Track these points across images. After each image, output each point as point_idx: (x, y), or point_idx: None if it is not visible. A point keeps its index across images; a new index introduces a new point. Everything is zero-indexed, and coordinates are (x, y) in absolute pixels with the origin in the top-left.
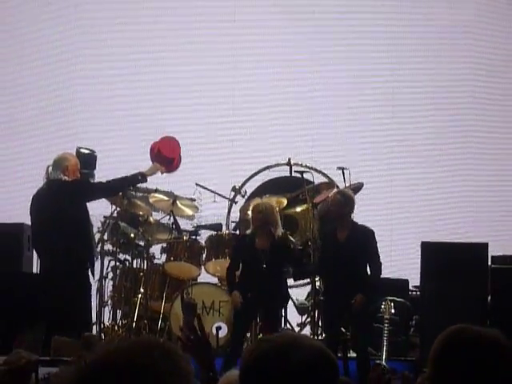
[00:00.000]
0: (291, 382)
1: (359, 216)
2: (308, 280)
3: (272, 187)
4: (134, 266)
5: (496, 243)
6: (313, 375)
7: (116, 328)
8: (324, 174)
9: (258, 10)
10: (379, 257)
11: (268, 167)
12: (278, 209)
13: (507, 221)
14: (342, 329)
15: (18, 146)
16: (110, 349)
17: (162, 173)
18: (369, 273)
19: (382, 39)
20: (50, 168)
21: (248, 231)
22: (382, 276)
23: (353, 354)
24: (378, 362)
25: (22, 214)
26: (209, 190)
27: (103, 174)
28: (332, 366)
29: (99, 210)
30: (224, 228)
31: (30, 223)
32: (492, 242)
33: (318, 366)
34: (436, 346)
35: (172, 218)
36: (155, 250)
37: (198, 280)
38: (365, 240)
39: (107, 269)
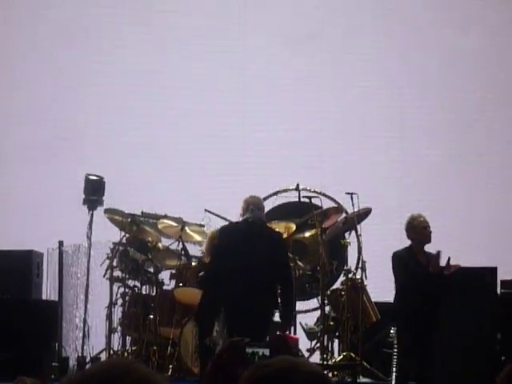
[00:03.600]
0: None
1: (369, 241)
2: (318, 305)
3: (281, 213)
4: (143, 292)
5: (505, 267)
6: None
7: (126, 354)
8: (332, 199)
9: (267, 34)
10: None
11: (276, 192)
12: (286, 234)
13: None
14: (352, 354)
15: (28, 173)
16: (86, 373)
17: None
18: None
19: (390, 61)
20: (252, 206)
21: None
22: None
23: (363, 380)
24: None
25: (31, 241)
26: (218, 215)
27: (111, 200)
28: None
29: (108, 236)
30: None
31: (43, 250)
32: (501, 265)
33: None
34: (502, 379)
35: (181, 243)
36: (164, 276)
37: None
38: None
39: (116, 295)
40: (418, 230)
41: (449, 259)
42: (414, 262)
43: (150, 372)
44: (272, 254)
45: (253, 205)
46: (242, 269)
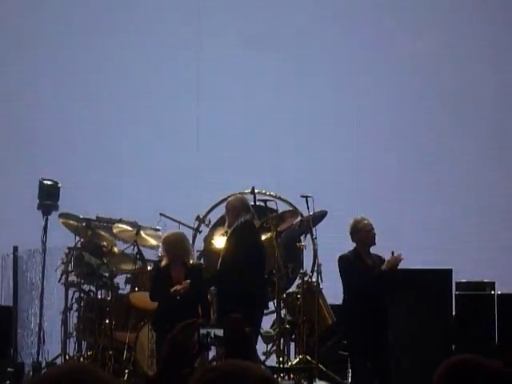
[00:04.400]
0: None
1: (325, 244)
2: (273, 309)
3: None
4: (99, 296)
5: (460, 269)
6: None
7: (81, 359)
8: (288, 202)
9: (224, 38)
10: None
11: (231, 196)
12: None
13: (471, 246)
14: (308, 357)
15: None
16: (44, 377)
17: None
18: None
19: (348, 62)
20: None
21: (163, 263)
22: None
23: (319, 383)
24: None
25: None
26: (173, 219)
27: (66, 205)
28: None
29: (63, 241)
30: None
31: None
32: (456, 267)
33: None
34: (438, 375)
35: (136, 248)
36: (120, 280)
37: None
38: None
39: (72, 300)
40: (363, 232)
41: (392, 253)
42: (361, 264)
43: (108, 376)
44: None
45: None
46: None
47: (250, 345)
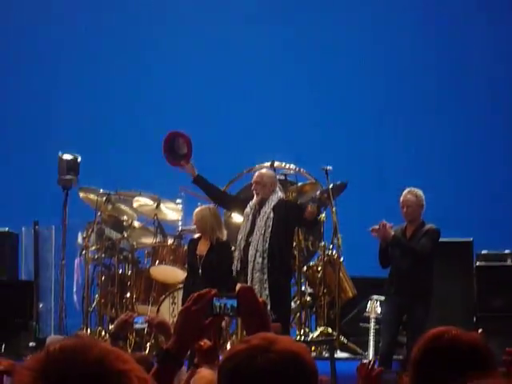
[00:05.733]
0: None
1: (345, 216)
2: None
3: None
4: (120, 270)
5: (481, 240)
6: (279, 380)
7: (103, 333)
8: (308, 175)
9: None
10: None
11: (251, 169)
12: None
13: (491, 216)
14: (329, 329)
15: (1, 152)
16: (41, 356)
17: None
18: None
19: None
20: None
21: (195, 235)
22: None
23: (340, 355)
24: (364, 361)
25: (5, 222)
26: (193, 193)
27: (86, 179)
28: (304, 372)
29: (83, 215)
30: None
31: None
32: (477, 238)
33: (286, 371)
34: (416, 348)
35: (156, 221)
36: (140, 254)
37: None
38: (424, 235)
39: (93, 274)
40: (401, 207)
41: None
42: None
43: (109, 346)
44: None
45: None
46: None
47: (264, 315)
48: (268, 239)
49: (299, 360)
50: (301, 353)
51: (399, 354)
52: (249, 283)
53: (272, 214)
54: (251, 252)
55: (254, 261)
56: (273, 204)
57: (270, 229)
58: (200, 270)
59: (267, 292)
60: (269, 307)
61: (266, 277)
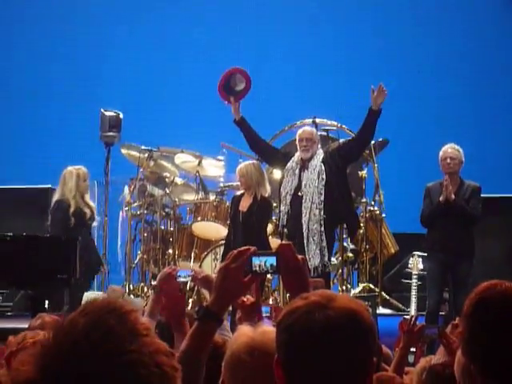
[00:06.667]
0: (314, 341)
1: (387, 173)
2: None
3: (295, 146)
4: (162, 227)
5: None
6: (336, 336)
7: (145, 289)
8: (349, 131)
9: None
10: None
11: (292, 125)
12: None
13: None
14: (371, 285)
15: (43, 109)
16: (65, 327)
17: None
18: None
19: None
20: None
21: (238, 192)
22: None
23: (382, 311)
24: (406, 317)
25: (49, 179)
26: (234, 149)
27: (128, 136)
28: (361, 330)
29: (125, 172)
30: None
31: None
32: None
33: (344, 328)
34: (468, 302)
35: (198, 178)
36: (182, 210)
37: None
38: (471, 195)
39: (135, 231)
40: (441, 161)
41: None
42: (439, 194)
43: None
44: None
45: None
46: None
47: (303, 272)
48: (323, 191)
49: (357, 318)
50: (359, 310)
51: (442, 310)
52: (305, 235)
53: (323, 167)
54: (306, 204)
55: (309, 213)
56: (320, 158)
57: (323, 181)
58: (241, 226)
59: (324, 244)
60: (326, 258)
61: (322, 228)
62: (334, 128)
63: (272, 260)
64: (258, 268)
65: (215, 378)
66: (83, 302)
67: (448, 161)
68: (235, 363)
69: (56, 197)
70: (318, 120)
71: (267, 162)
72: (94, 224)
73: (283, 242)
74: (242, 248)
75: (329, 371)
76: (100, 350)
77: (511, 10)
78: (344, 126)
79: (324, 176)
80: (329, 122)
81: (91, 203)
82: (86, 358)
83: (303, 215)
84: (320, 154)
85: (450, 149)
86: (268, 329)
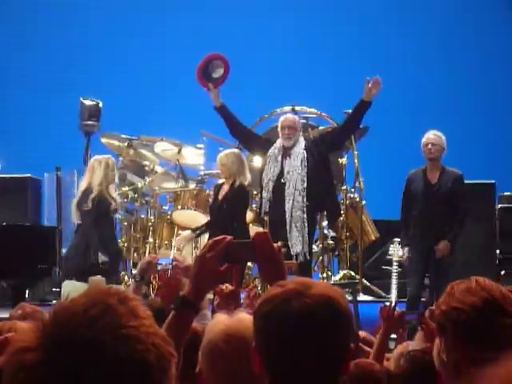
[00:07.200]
0: (291, 329)
1: (367, 160)
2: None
3: (276, 133)
4: (142, 216)
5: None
6: (313, 323)
7: (126, 278)
8: (329, 118)
9: None
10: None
11: (272, 113)
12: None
13: None
14: (352, 272)
15: (19, 98)
16: (66, 304)
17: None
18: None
19: None
20: None
21: (220, 180)
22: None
23: (363, 298)
24: (386, 303)
25: (28, 167)
26: (214, 137)
27: (107, 125)
28: (339, 317)
29: None
30: None
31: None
32: (499, 180)
33: (321, 315)
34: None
35: (178, 166)
36: (162, 199)
37: None
38: (455, 183)
39: (116, 220)
40: (422, 147)
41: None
42: (424, 180)
43: (127, 292)
44: None
45: None
46: None
47: (279, 260)
48: (305, 178)
49: (334, 305)
50: (336, 298)
51: (423, 296)
52: (287, 221)
53: (306, 154)
54: (289, 191)
55: (293, 199)
56: (303, 145)
57: (306, 168)
58: (217, 215)
59: (306, 231)
60: (308, 246)
61: (305, 215)
62: (314, 115)
63: (249, 248)
64: (233, 256)
65: (195, 367)
66: (63, 290)
67: (429, 146)
68: (212, 351)
69: (83, 186)
70: (297, 107)
71: (248, 148)
72: None
73: (264, 229)
74: (218, 237)
75: (306, 358)
76: (98, 322)
77: None
78: (324, 114)
79: (307, 163)
80: (308, 110)
81: (115, 195)
82: (83, 328)
83: (286, 202)
84: (302, 141)
85: (431, 135)
86: (244, 316)
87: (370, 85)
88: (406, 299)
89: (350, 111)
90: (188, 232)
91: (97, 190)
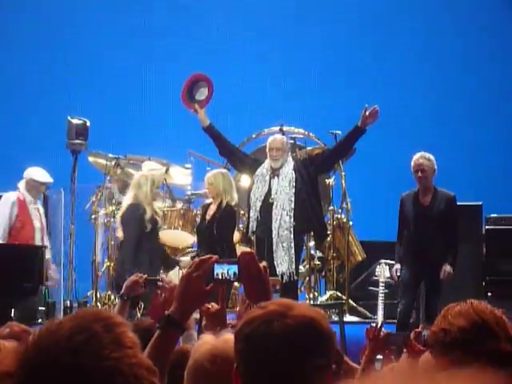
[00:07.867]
0: (272, 351)
1: (354, 181)
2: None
3: (264, 153)
4: None
5: (490, 203)
6: (295, 345)
7: (112, 298)
8: (317, 139)
9: None
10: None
11: (259, 133)
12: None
13: (500, 180)
14: (338, 293)
15: (9, 120)
16: (52, 327)
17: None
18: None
19: None
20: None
21: (207, 200)
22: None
23: (349, 318)
24: (372, 324)
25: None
26: (202, 157)
27: (95, 144)
28: (320, 338)
29: (92, 180)
30: None
31: None
32: (486, 202)
33: (302, 336)
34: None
35: (165, 186)
36: None
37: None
38: (447, 205)
39: (102, 239)
40: (413, 172)
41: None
42: (416, 202)
43: (116, 317)
44: None
45: None
46: None
47: (264, 280)
48: (293, 198)
49: (315, 326)
50: (317, 318)
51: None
52: (274, 241)
53: (294, 175)
54: (277, 211)
55: (280, 219)
56: (291, 165)
57: (293, 189)
58: (204, 235)
59: (293, 251)
60: (293, 266)
61: (292, 235)
62: (301, 136)
63: (234, 268)
64: (220, 276)
65: None
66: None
67: (419, 174)
68: (198, 371)
69: (129, 200)
70: (285, 128)
71: (236, 167)
72: None
73: (250, 249)
74: (205, 256)
75: (287, 380)
76: (80, 352)
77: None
78: (311, 134)
79: (295, 183)
80: (296, 130)
81: (158, 210)
82: (66, 355)
83: (273, 221)
84: (290, 161)
85: (420, 159)
86: (230, 337)
87: (366, 113)
88: (392, 320)
89: (343, 136)
90: (187, 258)
91: (149, 210)
